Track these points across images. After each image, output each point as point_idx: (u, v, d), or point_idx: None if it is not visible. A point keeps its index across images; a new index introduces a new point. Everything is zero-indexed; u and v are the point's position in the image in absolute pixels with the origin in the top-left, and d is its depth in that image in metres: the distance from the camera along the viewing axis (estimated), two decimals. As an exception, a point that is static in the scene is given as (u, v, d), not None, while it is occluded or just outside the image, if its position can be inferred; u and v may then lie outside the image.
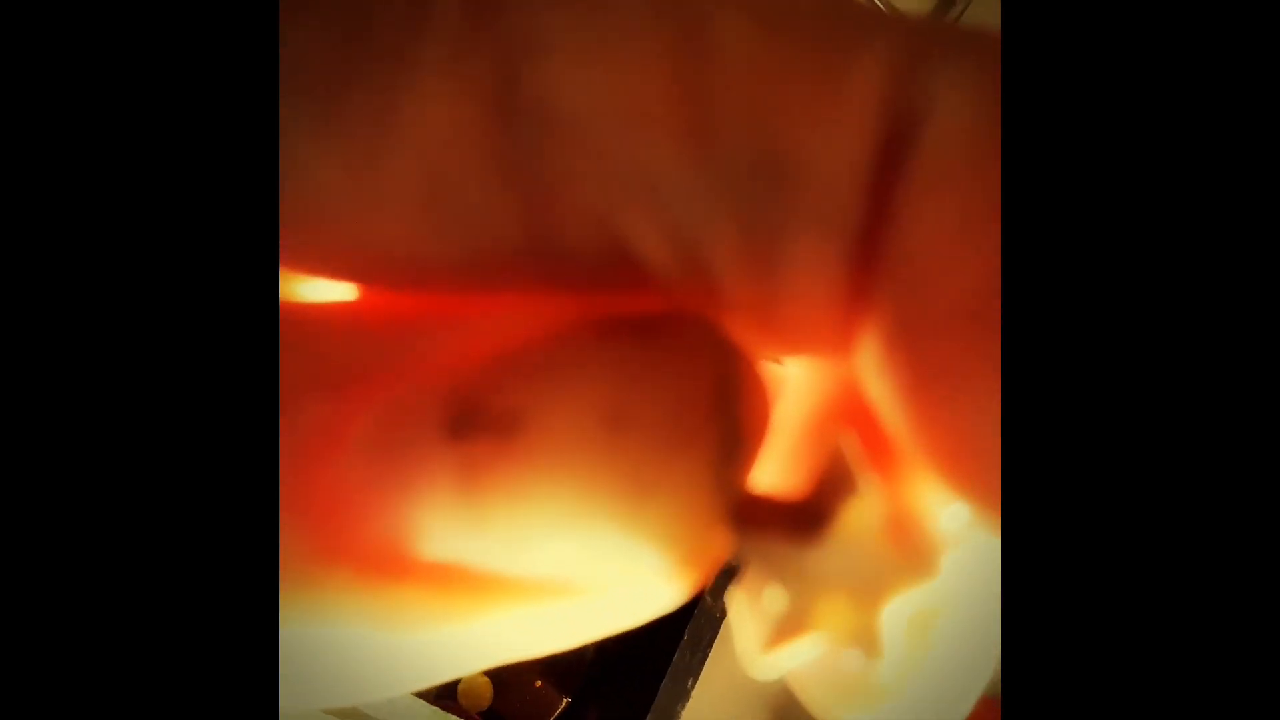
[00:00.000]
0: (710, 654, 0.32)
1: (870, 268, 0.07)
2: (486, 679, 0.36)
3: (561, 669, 0.38)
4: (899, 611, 0.07)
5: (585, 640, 0.08)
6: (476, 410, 0.07)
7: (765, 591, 0.07)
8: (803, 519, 0.07)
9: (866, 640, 0.07)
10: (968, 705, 0.09)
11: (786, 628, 0.07)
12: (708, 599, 0.31)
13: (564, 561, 0.07)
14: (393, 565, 0.08)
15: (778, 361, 0.08)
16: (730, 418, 0.07)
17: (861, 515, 0.07)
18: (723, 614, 0.32)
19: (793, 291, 0.07)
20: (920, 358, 0.07)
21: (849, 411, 0.08)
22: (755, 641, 0.07)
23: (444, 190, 0.07)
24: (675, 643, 0.32)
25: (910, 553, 0.07)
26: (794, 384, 0.09)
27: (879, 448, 0.08)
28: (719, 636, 0.32)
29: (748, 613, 0.07)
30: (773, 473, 0.08)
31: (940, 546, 0.07)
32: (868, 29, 0.07)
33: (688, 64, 0.07)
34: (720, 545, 0.07)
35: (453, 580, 0.08)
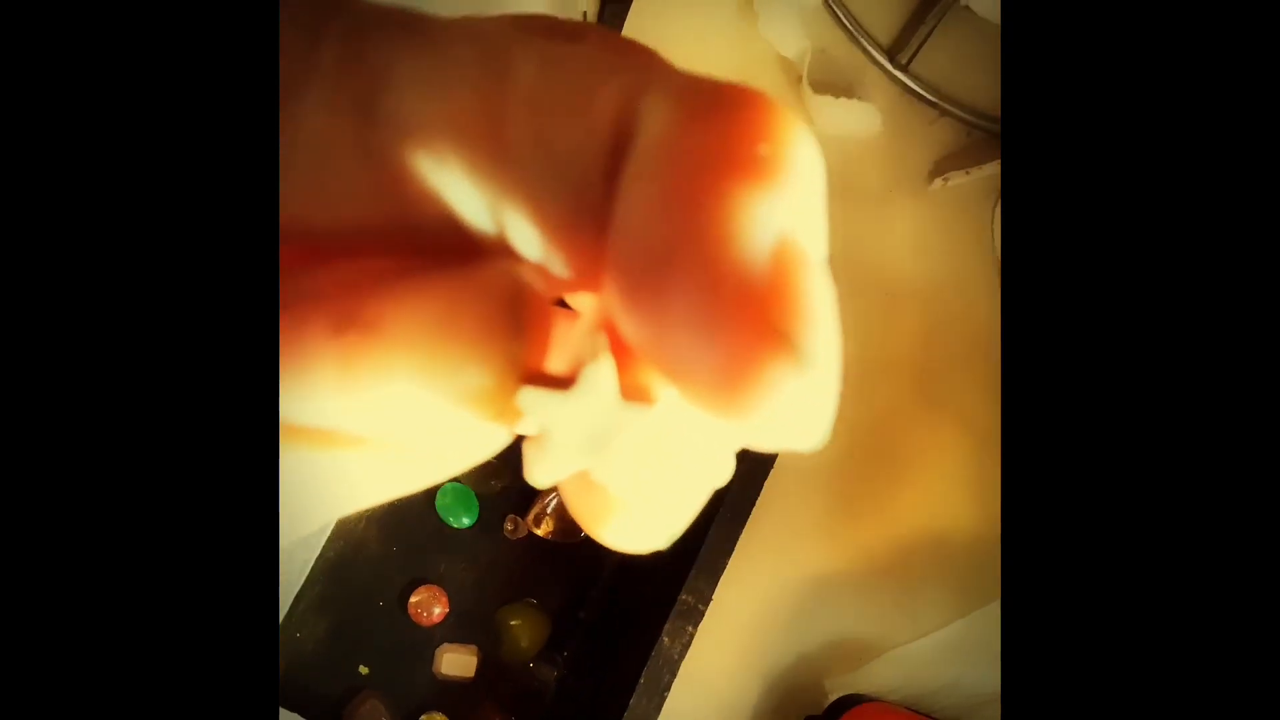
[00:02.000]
0: (668, 696, 0.31)
1: (606, 230, 0.10)
2: (445, 717, 0.32)
3: (522, 708, 0.33)
4: (631, 442, 0.11)
5: (434, 481, 0.12)
6: (351, 317, 0.10)
7: (543, 429, 0.11)
8: (567, 383, 0.10)
9: (606, 457, 0.11)
10: (688, 515, 0.12)
11: (555, 452, 0.11)
12: (665, 640, 0.31)
13: (410, 422, 0.11)
14: (285, 430, 0.11)
15: (558, 296, 0.11)
16: (520, 323, 0.10)
17: (602, 378, 0.10)
18: (680, 656, 0.32)
19: (558, 245, 0.10)
20: (637, 290, 0.10)
21: (602, 323, 0.11)
22: (536, 465, 0.11)
23: (327, 176, 0.10)
24: (633, 686, 0.31)
25: (635, 402, 0.11)
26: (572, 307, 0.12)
27: (619, 345, 0.11)
28: (676, 679, 0.31)
29: (533, 444, 0.11)
30: (551, 358, 0.11)
31: (656, 399, 0.11)
32: (616, 70, 0.10)
33: (491, 89, 0.10)
34: (515, 407, 0.10)
35: (330, 439, 0.11)
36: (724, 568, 0.32)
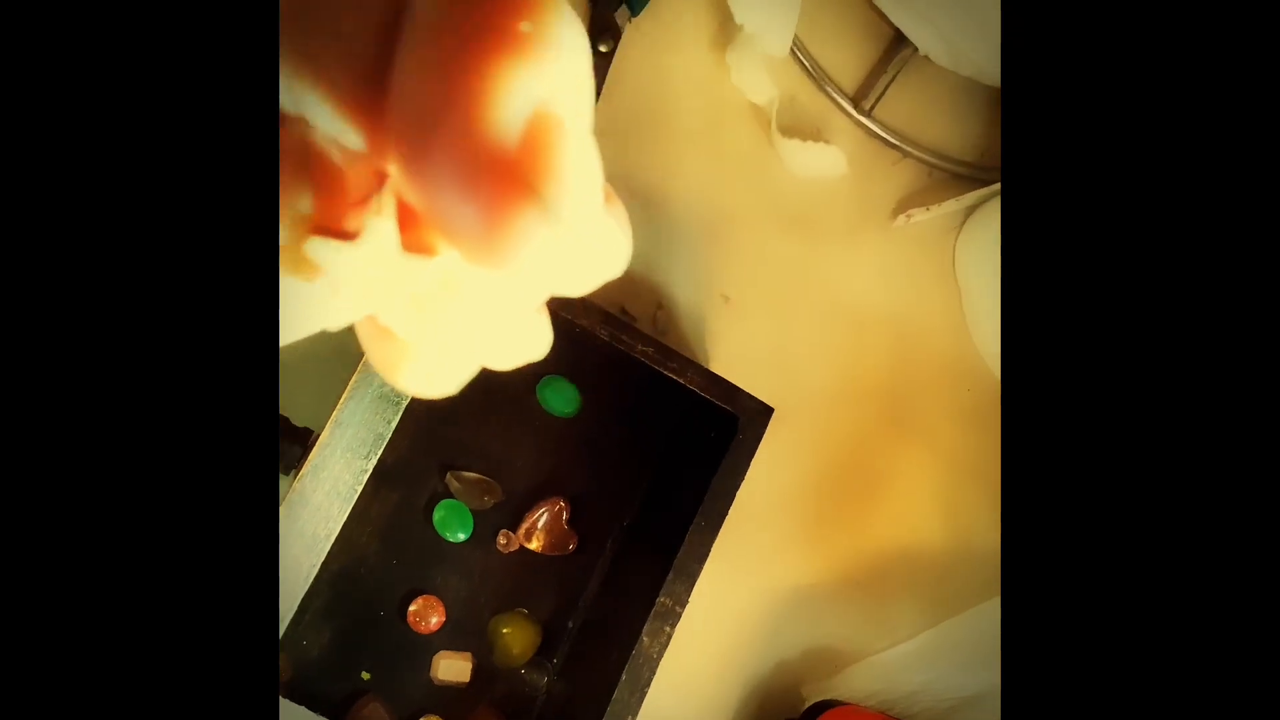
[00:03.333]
0: (648, 694, 0.34)
1: (387, 95, 0.11)
2: (438, 718, 0.34)
3: (515, 711, 0.35)
4: (417, 291, 0.13)
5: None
6: None
7: (332, 276, 0.12)
8: (353, 236, 0.12)
9: (393, 304, 0.13)
10: (476, 363, 0.14)
11: (343, 296, 0.12)
12: (645, 640, 0.34)
13: None
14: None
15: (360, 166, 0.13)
16: (308, 183, 0.12)
17: (384, 231, 0.12)
18: (659, 655, 0.34)
19: (347, 115, 0.12)
20: (410, 154, 0.11)
21: (390, 186, 0.12)
22: (326, 307, 0.12)
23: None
24: (616, 683, 0.34)
25: (416, 254, 0.12)
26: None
27: (405, 206, 0.12)
28: (655, 677, 0.34)
29: (325, 285, 0.12)
30: (343, 217, 0.13)
31: (437, 254, 0.12)
32: None
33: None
34: (307, 258, 0.12)
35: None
36: (699, 573, 0.34)
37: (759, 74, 0.42)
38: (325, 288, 0.12)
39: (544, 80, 0.11)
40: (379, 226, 0.12)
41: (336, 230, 0.12)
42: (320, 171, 0.12)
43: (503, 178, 0.11)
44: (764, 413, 0.36)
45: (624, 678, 0.33)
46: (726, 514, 0.35)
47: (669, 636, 0.34)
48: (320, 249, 0.12)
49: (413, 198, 0.12)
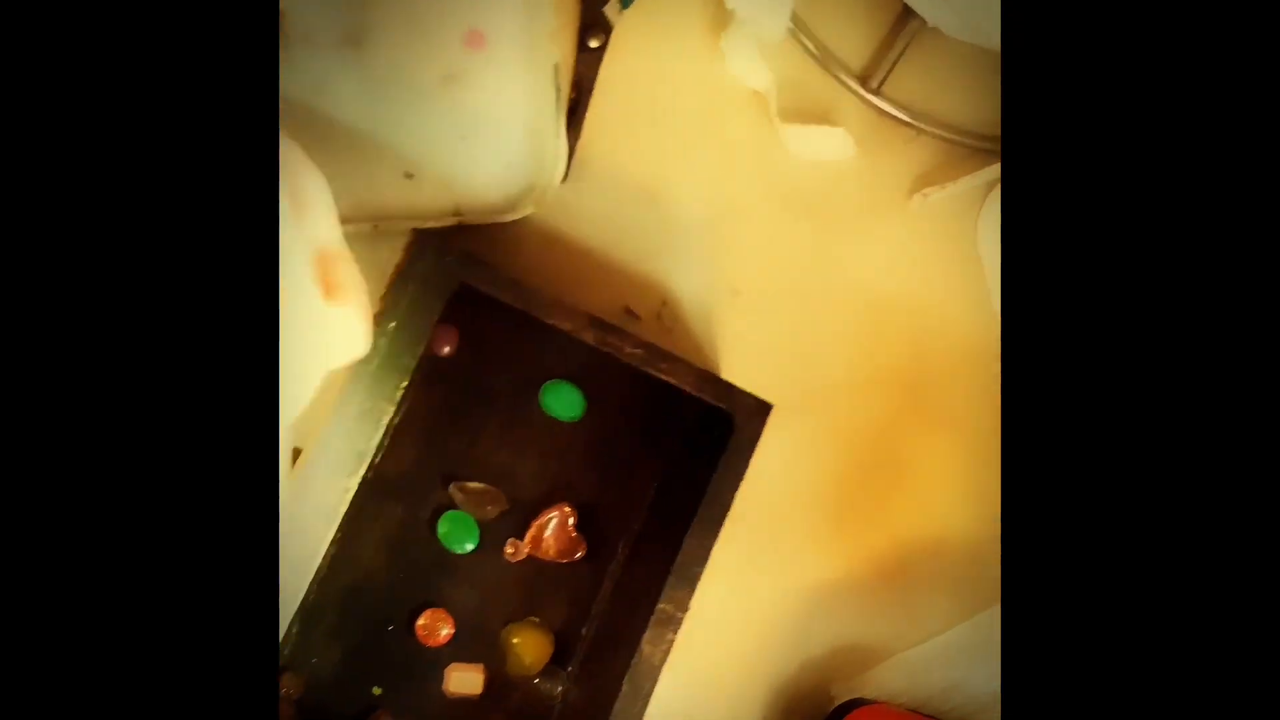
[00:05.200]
0: (649, 702, 0.33)
1: None
2: None
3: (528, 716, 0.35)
4: None
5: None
6: None
7: None
8: None
9: None
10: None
11: None
12: (645, 649, 0.33)
13: None
14: None
15: None
16: None
17: None
18: (661, 662, 0.33)
19: None
20: None
21: None
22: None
23: None
24: (616, 692, 0.33)
25: None
26: None
27: None
28: (656, 686, 0.33)
29: None
30: None
31: None
32: None
33: None
34: None
35: None
36: (699, 576, 0.34)
37: (754, 60, 0.41)
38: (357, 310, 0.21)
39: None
40: None
41: None
42: None
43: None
44: (761, 410, 0.34)
45: (625, 688, 0.33)
46: (726, 515, 0.34)
47: (670, 644, 0.33)
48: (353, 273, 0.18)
49: None
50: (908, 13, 0.43)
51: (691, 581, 0.33)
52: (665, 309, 0.42)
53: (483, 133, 0.40)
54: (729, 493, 0.34)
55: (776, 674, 0.41)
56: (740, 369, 0.42)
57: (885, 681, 0.41)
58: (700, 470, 0.34)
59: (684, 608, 0.33)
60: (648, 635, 0.33)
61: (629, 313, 0.42)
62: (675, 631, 0.33)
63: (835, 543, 0.42)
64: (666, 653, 0.33)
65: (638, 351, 0.34)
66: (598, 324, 0.34)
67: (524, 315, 0.34)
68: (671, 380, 0.34)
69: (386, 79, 0.39)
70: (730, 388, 0.35)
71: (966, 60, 0.44)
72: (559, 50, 0.39)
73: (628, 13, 0.42)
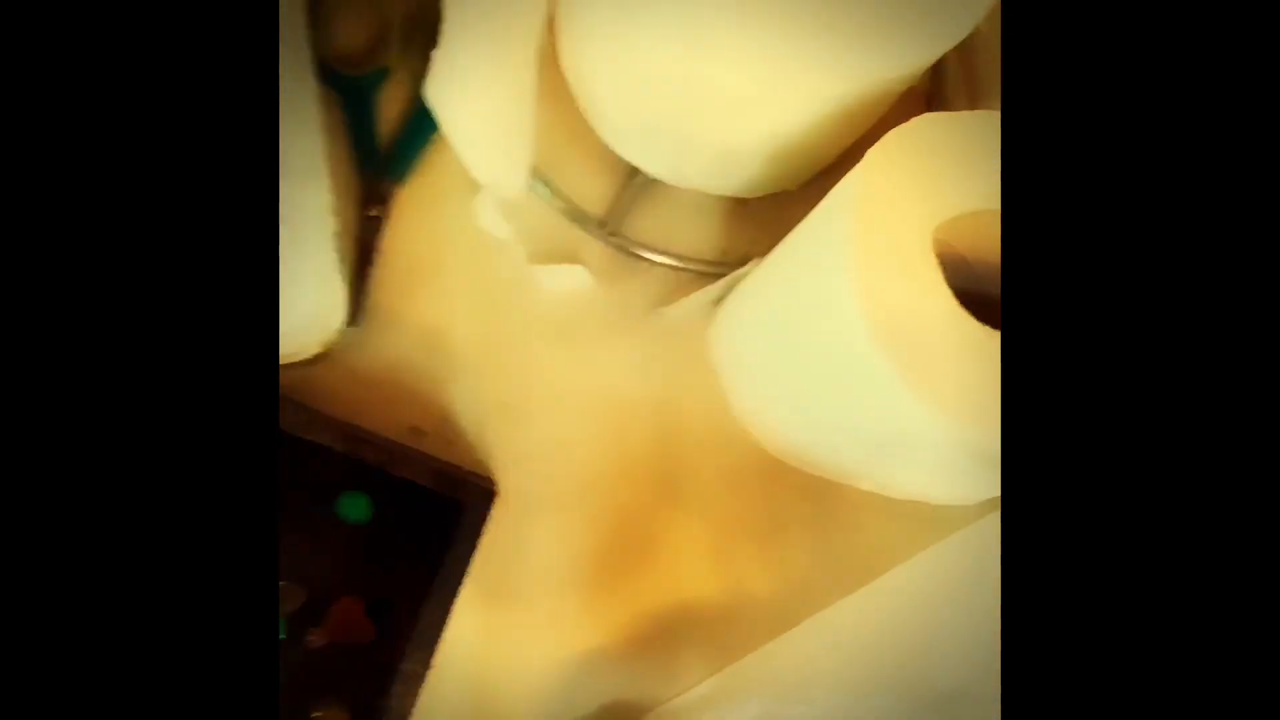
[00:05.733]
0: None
1: None
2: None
3: None
4: None
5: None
6: None
7: None
8: None
9: None
10: None
11: None
12: (392, 703, 0.40)
13: None
14: None
15: None
16: None
17: None
18: (408, 712, 0.40)
19: None
20: None
21: None
22: None
23: None
24: None
25: None
26: None
27: None
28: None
29: None
30: None
31: None
32: None
33: None
34: None
35: None
36: (438, 639, 0.41)
37: (497, 216, 0.50)
38: None
39: None
40: None
41: None
42: None
43: None
44: (487, 494, 0.42)
45: None
46: (460, 584, 0.41)
47: (415, 697, 0.40)
48: None
49: None
50: (635, 168, 0.53)
51: (430, 645, 0.40)
52: (446, 425, 0.50)
53: (281, 291, 0.49)
54: (461, 565, 0.41)
55: (553, 730, 0.48)
56: (511, 470, 0.50)
57: (648, 730, 0.48)
58: (442, 550, 0.42)
59: (426, 665, 0.40)
60: (394, 689, 0.40)
61: (415, 430, 0.50)
62: (418, 686, 0.40)
63: (599, 613, 0.49)
64: (411, 705, 0.40)
65: (382, 457, 0.42)
66: (348, 434, 0.42)
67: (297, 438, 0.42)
68: (411, 478, 0.42)
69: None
70: (461, 480, 0.42)
71: (685, 202, 0.54)
72: (337, 221, 0.49)
73: (404, 187, 0.52)
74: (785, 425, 0.51)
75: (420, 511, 0.44)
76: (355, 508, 0.47)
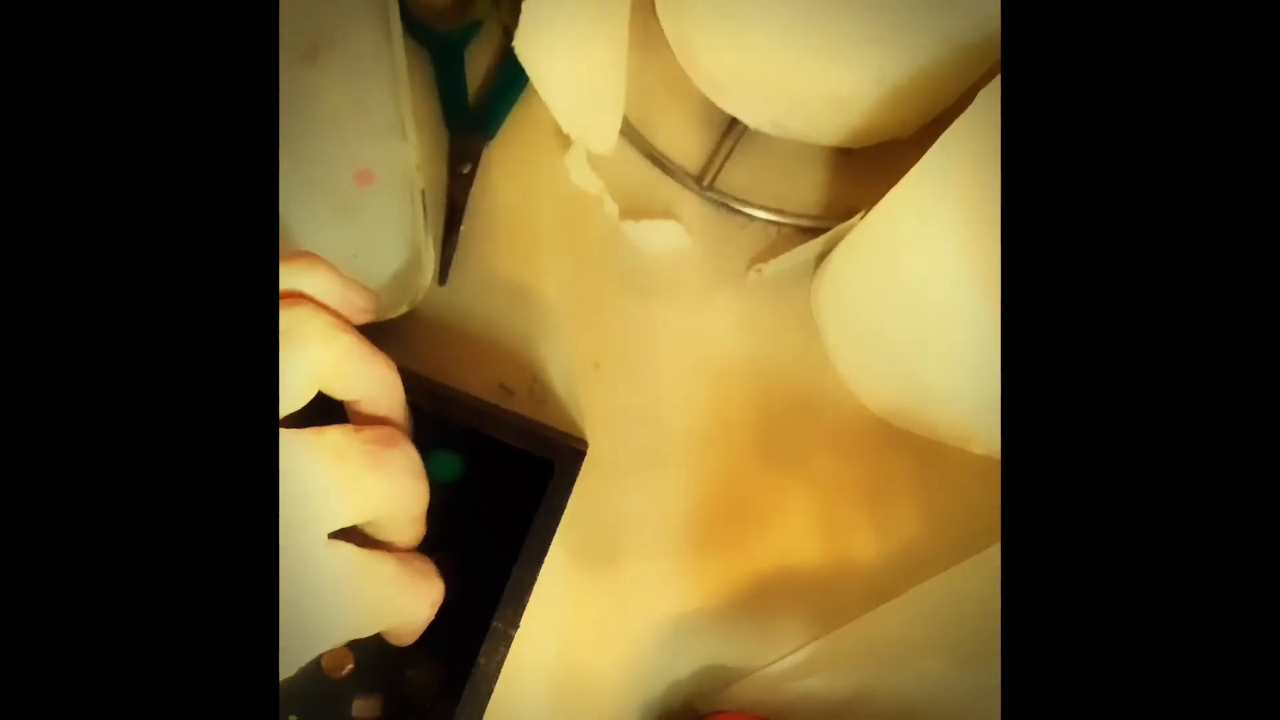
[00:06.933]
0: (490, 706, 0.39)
1: None
2: None
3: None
4: None
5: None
6: None
7: None
8: None
9: None
10: None
11: None
12: (481, 661, 0.40)
13: None
14: None
15: None
16: None
17: None
18: (496, 672, 0.40)
19: None
20: None
21: None
22: None
23: None
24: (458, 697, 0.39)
25: None
26: None
27: None
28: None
29: None
30: None
31: None
32: None
33: None
34: None
35: None
36: (527, 600, 0.40)
37: (589, 171, 0.49)
38: None
39: None
40: None
41: None
42: None
43: None
44: (578, 454, 0.41)
45: (466, 691, 0.39)
46: (549, 545, 0.41)
47: (504, 655, 0.39)
48: None
49: None
50: (733, 119, 0.51)
51: (519, 604, 0.40)
52: (536, 384, 0.49)
53: (369, 250, 0.48)
54: (551, 526, 0.40)
55: (647, 693, 0.47)
56: (603, 431, 0.49)
57: (745, 695, 0.47)
58: (530, 510, 0.41)
59: (515, 625, 0.40)
60: (484, 648, 0.39)
61: (504, 389, 0.49)
62: (507, 646, 0.39)
63: (695, 576, 0.48)
64: (500, 664, 0.39)
65: (467, 415, 0.41)
66: (437, 392, 0.41)
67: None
68: (498, 437, 0.41)
69: (291, 214, 0.48)
70: (551, 439, 0.42)
71: (787, 154, 0.52)
72: (424, 179, 0.48)
73: (493, 143, 0.51)
74: (891, 386, 0.48)
75: (510, 470, 0.43)
76: (445, 466, 0.47)
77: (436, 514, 0.45)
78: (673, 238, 0.50)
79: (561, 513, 0.41)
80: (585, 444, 0.43)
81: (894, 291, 0.44)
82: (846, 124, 0.48)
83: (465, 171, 0.51)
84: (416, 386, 0.42)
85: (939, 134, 0.40)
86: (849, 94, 0.46)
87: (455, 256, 0.50)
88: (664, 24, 0.50)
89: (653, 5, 0.51)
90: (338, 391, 0.34)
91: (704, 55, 0.49)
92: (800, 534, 0.49)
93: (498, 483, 0.46)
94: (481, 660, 0.39)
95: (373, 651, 0.45)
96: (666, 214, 0.51)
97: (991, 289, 0.36)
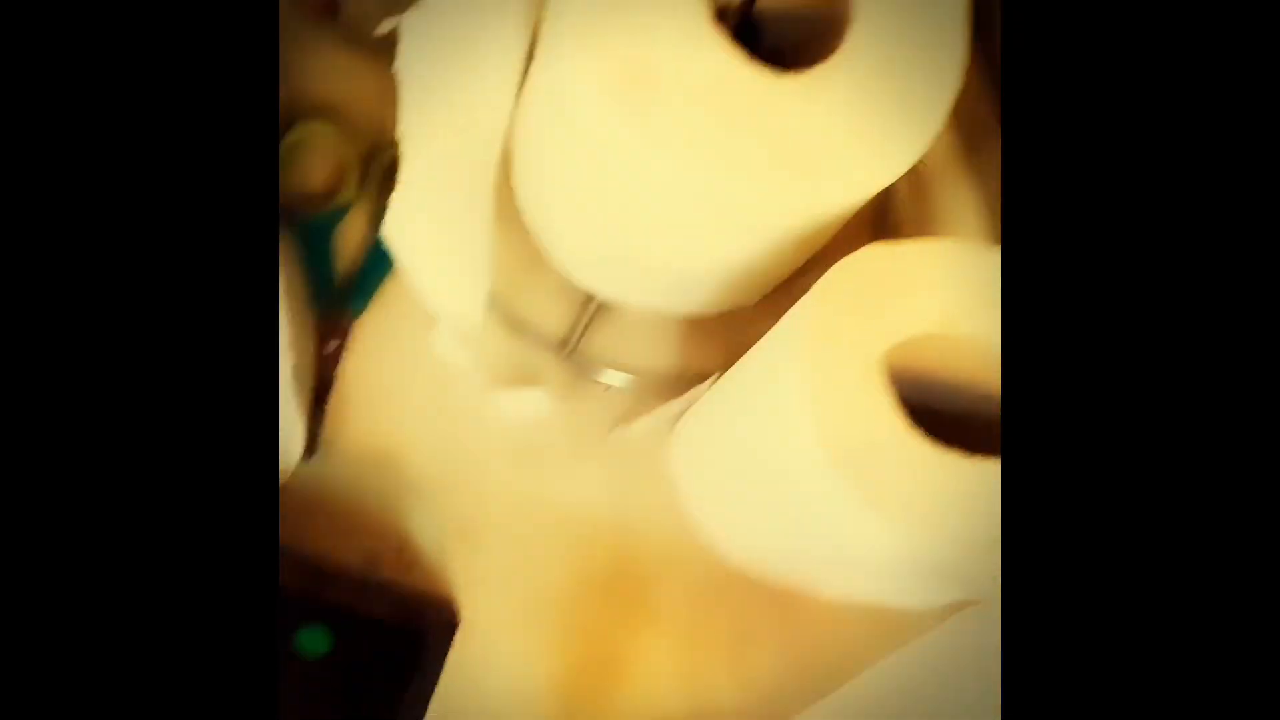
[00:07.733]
0: None
1: None
2: None
3: None
4: None
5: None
6: None
7: None
8: None
9: None
10: None
11: None
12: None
13: None
14: None
15: None
16: None
17: None
18: None
19: None
20: None
21: None
22: None
23: None
24: None
25: None
26: None
27: None
28: None
29: None
30: None
31: None
32: None
33: None
34: None
35: None
36: None
37: (453, 344, 0.51)
38: None
39: None
40: None
41: None
42: None
43: None
44: (450, 627, 0.43)
45: None
46: (424, 714, 0.41)
47: None
48: None
49: None
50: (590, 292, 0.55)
51: None
52: (405, 552, 0.50)
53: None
54: (426, 694, 0.41)
55: None
56: (472, 592, 0.50)
57: None
58: (405, 681, 0.42)
59: None
60: None
61: (373, 557, 0.50)
62: None
63: None
64: None
65: (331, 595, 0.42)
66: (305, 571, 0.42)
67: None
68: (366, 614, 0.42)
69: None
70: (420, 611, 0.43)
71: (642, 321, 0.55)
72: (293, 355, 0.50)
73: (363, 315, 0.53)
74: (745, 539, 0.51)
75: (381, 642, 0.44)
76: (314, 640, 0.47)
77: (306, 691, 0.46)
78: (536, 404, 0.53)
79: (434, 684, 0.42)
80: (457, 615, 0.44)
81: (744, 451, 0.48)
82: (693, 297, 0.52)
83: (333, 348, 0.52)
84: (286, 562, 0.42)
85: (783, 300, 0.44)
86: (694, 272, 0.50)
87: (323, 429, 0.51)
88: (522, 206, 0.54)
89: (514, 189, 0.54)
90: None
91: (560, 234, 0.53)
92: (665, 685, 0.50)
93: (368, 655, 0.46)
94: None
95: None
96: (531, 381, 0.54)
97: (833, 450, 0.40)
